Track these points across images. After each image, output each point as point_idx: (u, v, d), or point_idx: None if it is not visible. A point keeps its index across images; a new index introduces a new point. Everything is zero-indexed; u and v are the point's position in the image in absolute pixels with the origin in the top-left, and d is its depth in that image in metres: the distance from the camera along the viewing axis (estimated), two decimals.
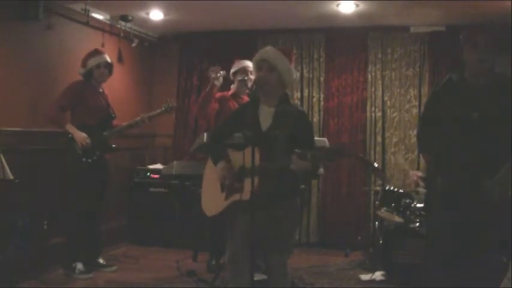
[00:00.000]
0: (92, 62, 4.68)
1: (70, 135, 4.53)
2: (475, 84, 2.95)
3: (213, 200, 3.12)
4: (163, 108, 4.90)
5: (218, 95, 4.69)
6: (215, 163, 3.07)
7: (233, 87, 4.77)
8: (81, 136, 4.51)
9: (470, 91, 2.95)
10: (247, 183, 2.84)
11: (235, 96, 4.70)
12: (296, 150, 2.68)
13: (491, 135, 2.85)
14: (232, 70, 4.70)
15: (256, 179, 2.72)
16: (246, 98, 4.59)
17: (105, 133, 4.68)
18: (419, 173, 4.94)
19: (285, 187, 2.94)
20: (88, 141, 4.52)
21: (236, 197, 2.93)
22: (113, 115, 4.87)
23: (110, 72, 4.85)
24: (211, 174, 3.15)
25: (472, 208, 2.84)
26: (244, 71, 4.59)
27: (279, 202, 2.94)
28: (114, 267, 4.85)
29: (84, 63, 4.70)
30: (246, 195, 2.84)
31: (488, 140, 2.85)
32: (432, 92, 3.30)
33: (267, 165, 2.81)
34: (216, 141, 3.20)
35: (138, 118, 4.83)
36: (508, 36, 5.00)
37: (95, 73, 4.70)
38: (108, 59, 4.80)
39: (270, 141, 2.90)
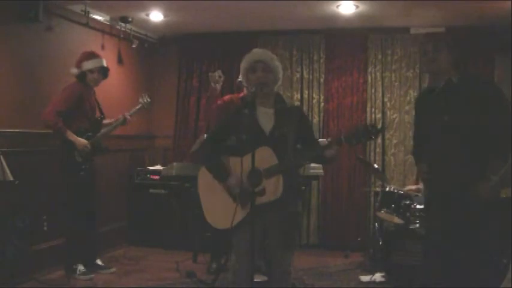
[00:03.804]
0: (86, 65, 4.60)
1: (70, 142, 4.46)
2: (442, 88, 3.02)
3: (224, 211, 2.95)
4: (140, 105, 4.98)
5: (227, 97, 4.66)
6: (222, 181, 2.98)
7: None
8: (82, 143, 4.47)
9: (438, 96, 3.02)
10: (268, 185, 2.83)
11: (244, 99, 4.65)
12: (328, 139, 2.77)
13: (465, 135, 2.89)
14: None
15: (279, 179, 2.80)
16: None
17: (98, 135, 4.65)
18: (413, 188, 5.02)
19: (294, 184, 2.99)
20: (89, 147, 4.51)
21: (261, 199, 2.83)
22: (102, 115, 4.84)
23: (105, 77, 4.78)
24: (211, 184, 3.04)
25: (466, 209, 2.86)
26: None
27: (291, 200, 2.97)
28: (113, 269, 4.85)
29: (78, 64, 4.62)
30: (269, 196, 2.84)
31: (463, 140, 2.89)
32: (414, 104, 3.44)
33: (287, 164, 2.85)
34: (213, 151, 3.08)
35: (121, 116, 4.84)
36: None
37: (88, 77, 4.62)
38: (104, 63, 4.71)
39: (276, 141, 2.90)
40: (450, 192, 2.91)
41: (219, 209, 3.02)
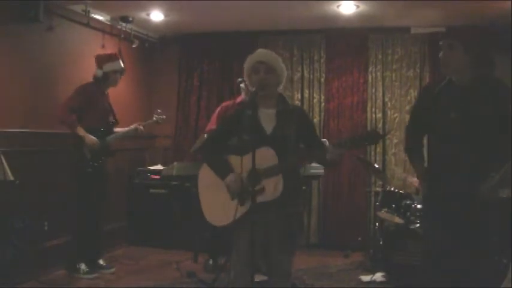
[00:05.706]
0: (109, 67, 4.71)
1: (80, 138, 4.53)
2: (459, 86, 2.94)
3: (223, 209, 2.98)
4: (154, 119, 5.10)
5: (225, 104, 4.69)
6: (222, 177, 2.98)
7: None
8: (92, 140, 4.54)
9: (453, 93, 2.94)
10: (267, 184, 2.85)
11: (242, 103, 4.64)
12: (333, 140, 2.76)
13: (475, 135, 2.84)
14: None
15: (279, 179, 2.82)
16: None
17: (107, 138, 4.72)
18: (417, 181, 4.97)
19: (296, 185, 3.00)
20: (98, 144, 4.56)
21: (260, 198, 2.84)
22: (115, 120, 4.92)
23: (121, 77, 4.93)
24: (211, 182, 3.05)
25: (467, 210, 2.84)
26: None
27: (292, 200, 2.97)
28: (113, 269, 4.86)
29: (100, 65, 4.71)
30: (268, 196, 2.85)
31: (473, 140, 2.84)
32: (417, 98, 3.28)
33: (286, 164, 2.85)
34: (215, 150, 3.11)
35: (133, 126, 4.93)
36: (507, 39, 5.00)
37: (111, 78, 4.73)
38: (122, 65, 4.85)
39: (277, 142, 2.90)
40: (454, 192, 2.88)
41: (217, 206, 3.03)
